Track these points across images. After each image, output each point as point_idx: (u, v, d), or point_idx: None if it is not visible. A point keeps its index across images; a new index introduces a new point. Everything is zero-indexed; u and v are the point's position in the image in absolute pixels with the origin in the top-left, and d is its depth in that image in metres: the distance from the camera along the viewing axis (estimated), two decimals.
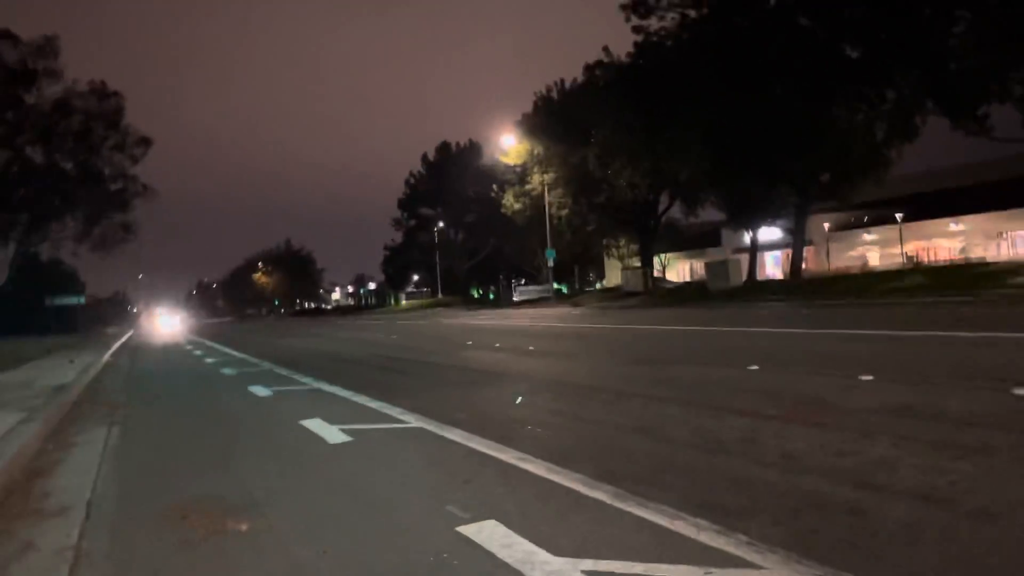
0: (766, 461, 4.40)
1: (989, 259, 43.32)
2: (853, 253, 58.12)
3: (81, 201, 53.54)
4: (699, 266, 59.28)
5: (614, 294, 48.42)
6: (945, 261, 47.67)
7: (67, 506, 4.40)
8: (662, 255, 58.90)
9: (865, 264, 55.16)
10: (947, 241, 54.10)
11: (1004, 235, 50.54)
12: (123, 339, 32.93)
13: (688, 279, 60.67)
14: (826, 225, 57.26)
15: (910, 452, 4.38)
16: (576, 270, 70.48)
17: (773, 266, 58.63)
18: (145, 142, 56.04)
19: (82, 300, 57.39)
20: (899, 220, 54.01)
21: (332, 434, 6.22)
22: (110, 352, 20.92)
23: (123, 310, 79.47)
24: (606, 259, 65.38)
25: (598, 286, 66.68)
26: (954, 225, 53.42)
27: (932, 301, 19.93)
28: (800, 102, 31.45)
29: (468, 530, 3.45)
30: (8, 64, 50.68)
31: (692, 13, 35.49)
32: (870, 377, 7.17)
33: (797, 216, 38.30)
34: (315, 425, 6.69)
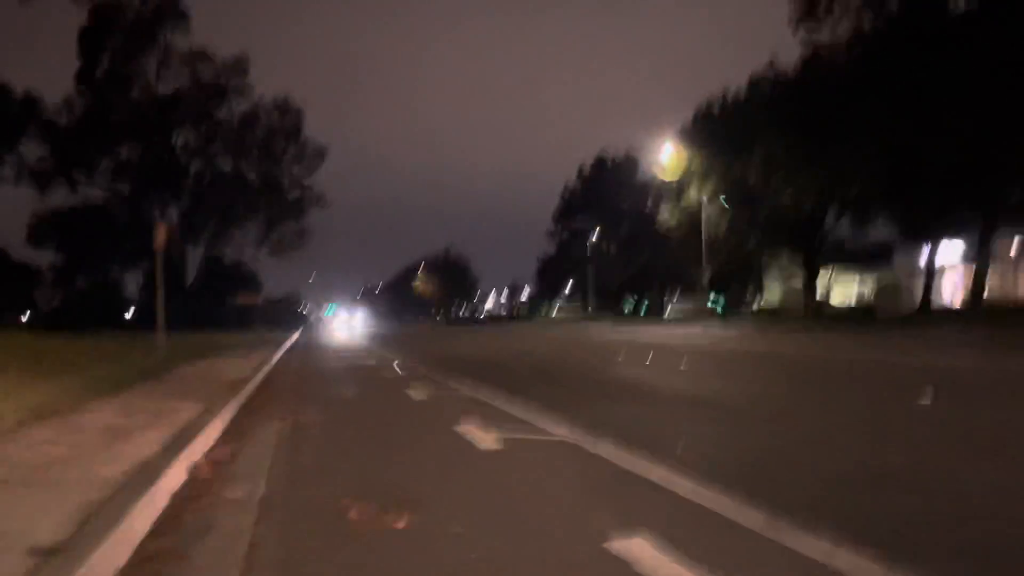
0: (938, 497, 4.12)
1: None
2: None
3: (262, 209, 57.75)
4: (867, 289, 55.90)
5: (773, 316, 46.60)
6: None
7: (243, 494, 4.77)
8: (828, 273, 55.93)
9: None
10: None
11: None
12: (285, 345, 27.62)
13: (853, 302, 57.41)
14: (1015, 248, 52.45)
15: None
16: (734, 288, 68.38)
17: (951, 291, 54.41)
18: (320, 153, 59.81)
19: (258, 300, 61.88)
20: None
21: (484, 441, 6.39)
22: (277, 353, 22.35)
23: (294, 310, 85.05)
24: (765, 276, 63.01)
25: (756, 306, 64.35)
26: None
27: None
28: (993, 112, 29.05)
29: (616, 546, 3.46)
30: (203, 81, 55.60)
31: (867, 25, 33.71)
32: None
33: (982, 237, 35.33)
34: (468, 431, 6.89)
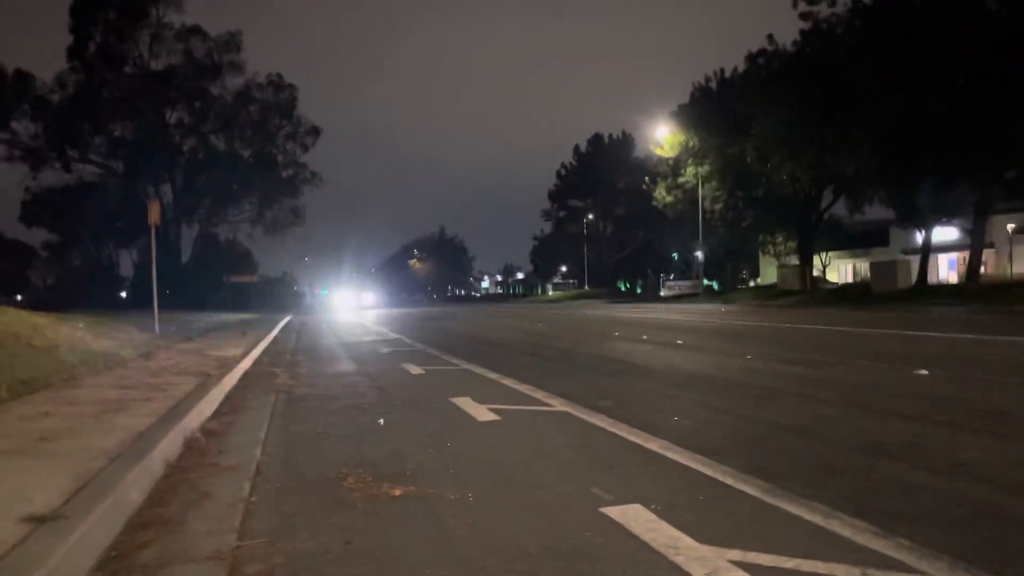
0: (933, 468, 4.13)
1: None
2: None
3: (256, 186, 57.46)
4: (863, 266, 55.93)
5: (769, 292, 46.69)
6: None
7: (239, 463, 4.76)
8: (823, 253, 56.02)
9: None
10: None
11: None
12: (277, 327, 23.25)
13: (851, 280, 57.49)
14: (1010, 227, 52.54)
15: None
16: (729, 266, 68.48)
17: (947, 270, 54.51)
18: (315, 131, 59.43)
19: (254, 279, 61.75)
20: None
21: (481, 413, 6.38)
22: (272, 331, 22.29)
23: (290, 290, 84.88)
24: (761, 256, 63.07)
25: (751, 284, 64.43)
26: None
27: None
28: (986, 92, 28.97)
29: (612, 511, 3.45)
30: (197, 57, 55.10)
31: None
32: None
33: (976, 215, 35.34)
34: (464, 403, 6.89)
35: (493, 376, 9.05)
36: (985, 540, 3.00)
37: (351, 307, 61.46)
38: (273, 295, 66.56)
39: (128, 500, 3.69)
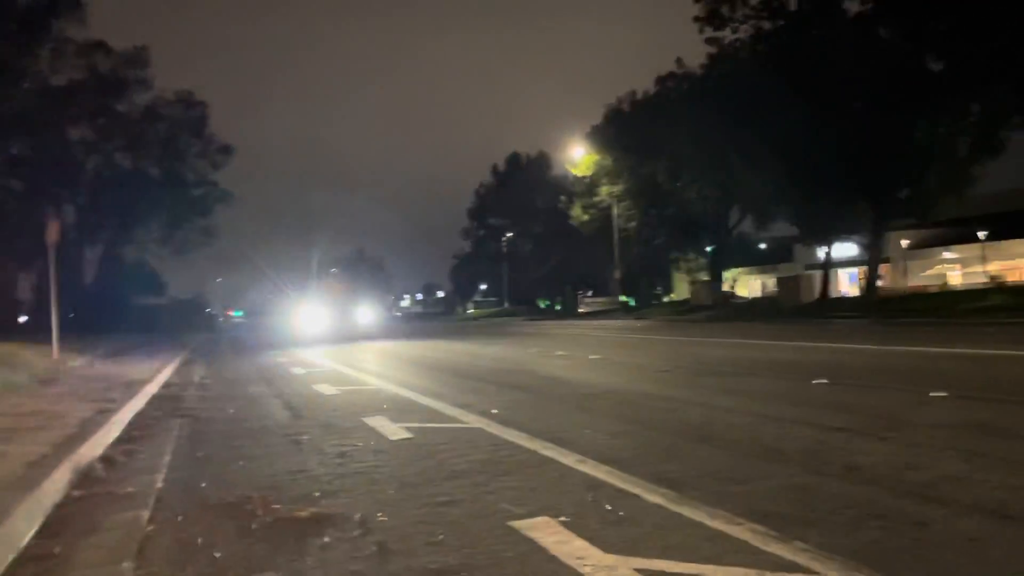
0: (829, 472, 4.31)
1: None
2: (932, 272, 56.06)
3: (164, 206, 55.61)
4: (770, 282, 58.00)
5: (681, 308, 47.81)
6: None
7: (139, 491, 4.59)
8: (733, 270, 57.82)
9: (944, 283, 53.14)
10: None
11: None
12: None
13: (760, 295, 59.49)
14: (904, 242, 55.44)
15: (980, 468, 4.23)
16: (644, 283, 69.87)
17: (849, 283, 57.00)
18: (227, 150, 57.98)
19: (162, 301, 59.64)
20: (982, 239, 51.90)
21: (393, 431, 6.33)
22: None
23: (203, 311, 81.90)
24: (675, 272, 64.65)
25: (665, 300, 65.89)
26: None
27: (1013, 322, 19.14)
28: (879, 116, 30.56)
29: (522, 525, 3.48)
30: (101, 73, 53.17)
31: (767, 24, 34.95)
32: (943, 393, 6.94)
33: (873, 232, 37.14)
34: (378, 423, 6.82)
35: (407, 394, 8.99)
36: (875, 540, 3.14)
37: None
38: (183, 317, 64.33)
39: (16, 532, 3.52)
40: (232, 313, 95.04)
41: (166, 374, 13.21)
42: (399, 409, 7.79)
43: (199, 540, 3.53)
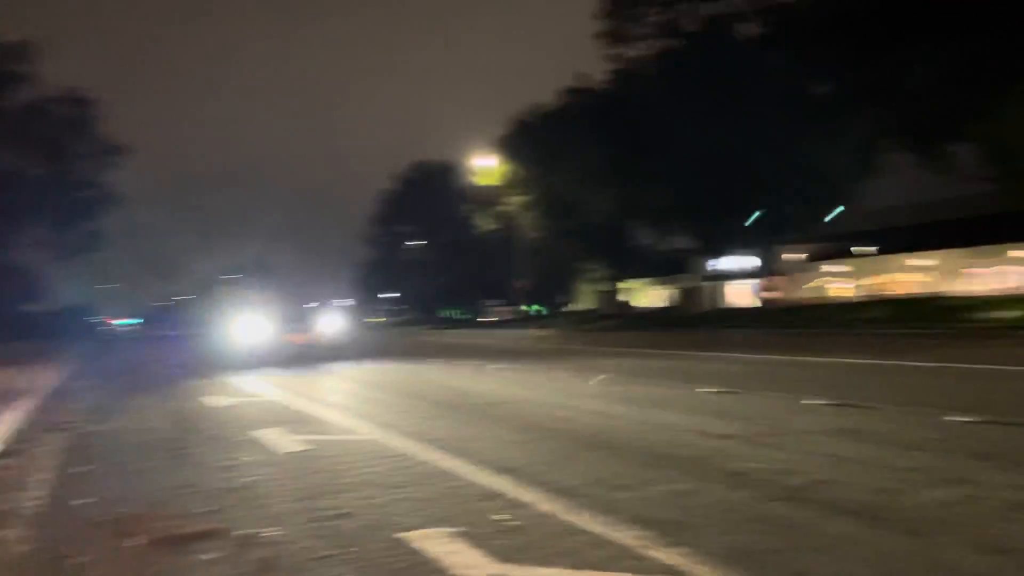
0: (712, 478, 4.49)
1: (954, 294, 44.16)
2: (818, 284, 58.89)
3: (48, 208, 52.76)
4: (670, 292, 59.67)
5: (584, 317, 48.64)
6: (909, 295, 48.51)
7: (10, 509, 4.36)
8: (632, 280, 59.23)
9: (829, 295, 55.90)
10: (912, 275, 55.02)
11: (966, 271, 51.54)
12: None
13: (660, 305, 61.13)
14: (794, 256, 58.09)
15: (849, 472, 4.50)
16: (550, 292, 70.71)
17: (744, 295, 59.19)
18: (118, 150, 55.52)
19: (49, 309, 56.55)
20: (865, 254, 54.92)
21: (286, 444, 6.21)
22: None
23: (88, 320, 77.33)
24: (578, 282, 65.70)
25: (569, 309, 66.83)
26: (918, 260, 54.41)
27: (889, 332, 20.34)
28: (768, 135, 31.97)
29: (411, 536, 3.48)
30: None
31: (665, 43, 36.05)
32: (822, 401, 7.32)
33: (765, 246, 38.87)
34: (269, 435, 6.67)
35: (302, 406, 8.83)
36: (749, 543, 3.29)
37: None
38: (72, 325, 61.03)
39: None
40: (115, 322, 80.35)
41: (47, 382, 12.48)
42: (288, 421, 7.64)
43: (75, 562, 3.38)
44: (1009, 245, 40.15)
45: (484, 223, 50.80)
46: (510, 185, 47.80)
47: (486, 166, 49.14)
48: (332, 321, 20.20)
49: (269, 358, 16.78)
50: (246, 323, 18.44)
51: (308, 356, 17.20)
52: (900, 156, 32.36)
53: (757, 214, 42.26)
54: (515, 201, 47.38)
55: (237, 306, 20.71)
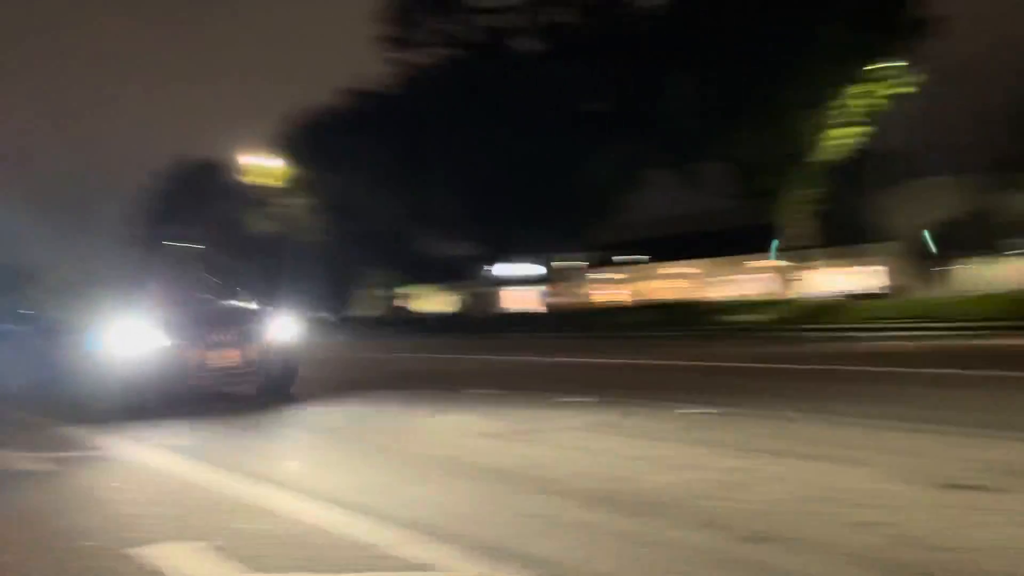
0: (468, 474, 4.62)
1: (710, 299, 48.63)
2: (596, 290, 62.38)
3: None
4: (454, 298, 60.56)
5: (365, 322, 48.23)
6: (675, 300, 52.66)
7: None
8: (416, 286, 59.48)
9: (606, 300, 59.42)
10: (676, 282, 59.76)
11: (722, 278, 56.88)
12: None
13: (447, 310, 61.89)
14: (575, 264, 61.18)
15: (600, 464, 4.82)
16: (331, 296, 69.11)
17: (528, 300, 61.32)
18: None
19: None
20: (637, 262, 59.19)
21: (18, 462, 5.61)
22: None
23: None
24: (362, 287, 64.92)
25: (350, 314, 65.83)
26: (682, 268, 59.29)
27: (654, 335, 22.12)
28: (545, 148, 33.43)
29: (143, 552, 3.26)
30: None
31: (448, 52, 36.59)
32: (594, 399, 7.77)
33: (548, 255, 40.83)
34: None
35: (38, 419, 8.04)
36: (507, 535, 3.42)
37: None
38: None
39: None
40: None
41: None
42: (23, 435, 6.91)
43: None
44: (748, 256, 44.99)
45: (256, 224, 48.70)
46: (291, 186, 46.24)
47: (258, 164, 47.02)
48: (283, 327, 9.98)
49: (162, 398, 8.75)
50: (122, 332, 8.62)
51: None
52: (660, 173, 35.21)
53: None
54: (296, 203, 45.95)
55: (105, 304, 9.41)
